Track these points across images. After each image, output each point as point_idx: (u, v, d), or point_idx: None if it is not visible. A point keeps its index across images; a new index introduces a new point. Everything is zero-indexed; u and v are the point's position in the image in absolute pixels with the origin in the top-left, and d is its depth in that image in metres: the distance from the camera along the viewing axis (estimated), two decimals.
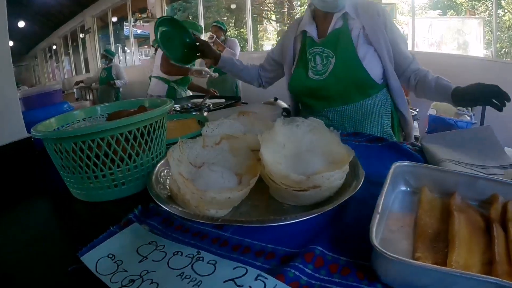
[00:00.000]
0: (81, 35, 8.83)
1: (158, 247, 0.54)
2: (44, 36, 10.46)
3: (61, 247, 0.63)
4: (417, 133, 2.80)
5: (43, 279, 0.54)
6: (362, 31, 1.22)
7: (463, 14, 4.56)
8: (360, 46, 1.20)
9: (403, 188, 0.66)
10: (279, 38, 6.46)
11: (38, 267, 0.57)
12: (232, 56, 1.74)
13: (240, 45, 3.94)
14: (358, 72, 1.20)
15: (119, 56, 7.94)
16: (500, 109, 1.00)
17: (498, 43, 3.90)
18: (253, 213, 0.64)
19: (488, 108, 1.05)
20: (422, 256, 0.47)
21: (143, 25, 7.88)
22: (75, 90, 6.62)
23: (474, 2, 4.45)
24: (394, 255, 0.42)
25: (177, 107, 1.95)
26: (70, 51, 9.88)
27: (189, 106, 2.00)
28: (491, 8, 4.07)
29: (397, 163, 0.65)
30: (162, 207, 0.61)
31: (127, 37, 8.06)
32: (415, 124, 2.77)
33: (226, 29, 3.95)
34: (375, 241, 0.44)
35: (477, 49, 4.20)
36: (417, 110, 3.20)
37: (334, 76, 1.22)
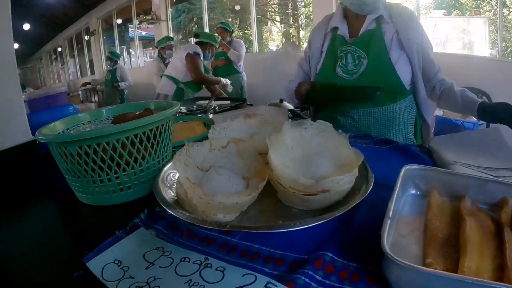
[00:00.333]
0: (86, 37, 8.89)
1: (165, 252, 0.53)
2: (49, 38, 10.57)
3: (66, 252, 0.63)
4: None
5: (49, 285, 0.53)
6: (396, 35, 1.21)
7: (468, 13, 4.52)
8: (393, 51, 1.20)
9: (413, 191, 0.65)
10: (284, 39, 6.47)
11: (43, 272, 0.56)
12: None
13: (245, 46, 3.94)
14: (390, 76, 1.19)
15: (124, 58, 7.98)
16: None
17: (504, 42, 3.86)
18: (261, 218, 0.63)
19: None
20: (433, 262, 0.46)
21: (147, 27, 7.92)
22: (80, 92, 6.64)
23: (479, 1, 4.41)
24: (406, 262, 0.41)
25: (183, 109, 1.94)
26: (75, 53, 9.98)
27: (194, 108, 1.99)
28: (496, 7, 4.03)
29: (407, 166, 0.64)
30: (169, 212, 0.61)
31: (132, 39, 8.11)
32: None
33: (232, 30, 3.95)
34: (387, 248, 0.44)
35: (483, 48, 4.15)
36: None
37: (365, 78, 1.21)
